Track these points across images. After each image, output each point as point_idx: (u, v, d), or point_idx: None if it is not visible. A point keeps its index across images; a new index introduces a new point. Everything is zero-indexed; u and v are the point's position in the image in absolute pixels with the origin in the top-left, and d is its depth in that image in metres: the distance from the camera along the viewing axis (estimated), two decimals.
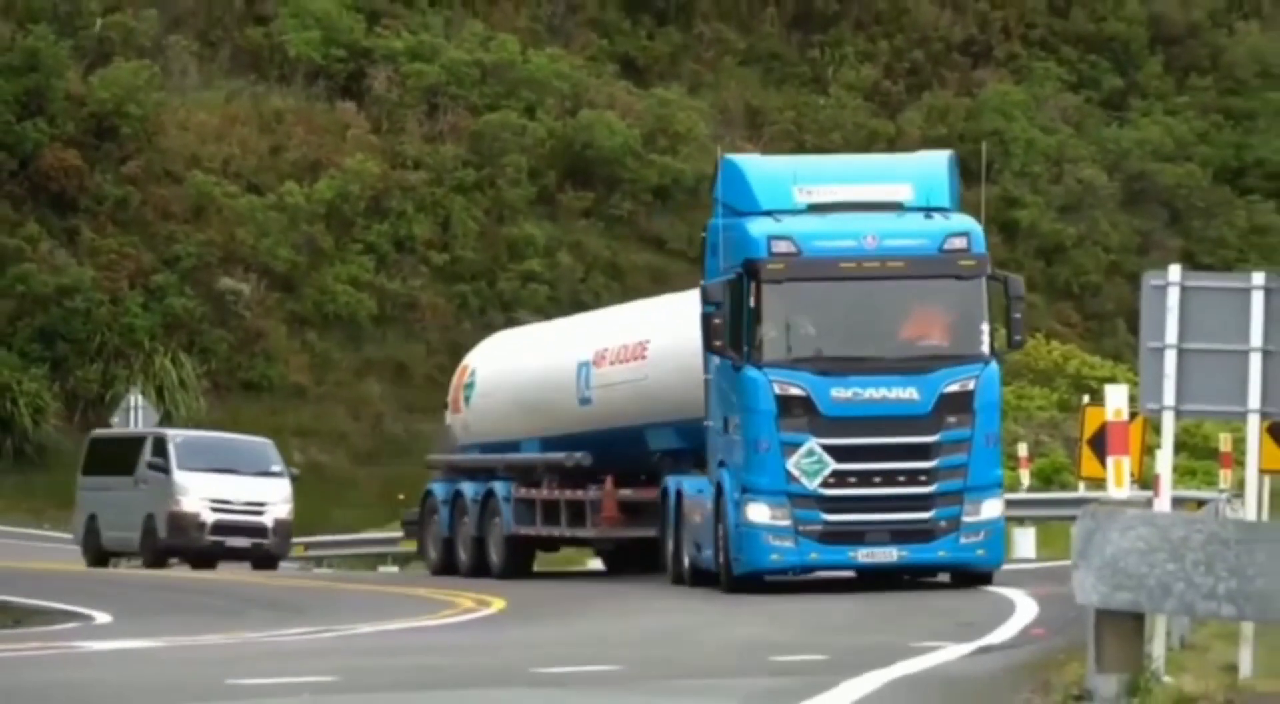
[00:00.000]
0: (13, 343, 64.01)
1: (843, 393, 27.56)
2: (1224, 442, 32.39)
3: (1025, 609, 33.26)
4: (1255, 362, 21.06)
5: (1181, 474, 27.31)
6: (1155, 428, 25.80)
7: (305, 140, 76.51)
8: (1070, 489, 45.75)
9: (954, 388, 27.61)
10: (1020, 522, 48.73)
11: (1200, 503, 31.85)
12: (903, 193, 29.98)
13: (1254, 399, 21.11)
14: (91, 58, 70.22)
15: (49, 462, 63.71)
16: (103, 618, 36.02)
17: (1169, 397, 20.99)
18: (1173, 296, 21.21)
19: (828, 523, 27.56)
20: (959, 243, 28.39)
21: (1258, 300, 21.05)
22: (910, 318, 29.07)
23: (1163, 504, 21.12)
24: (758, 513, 27.71)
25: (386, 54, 78.81)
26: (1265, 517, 23.63)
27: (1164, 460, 21.87)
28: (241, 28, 75.67)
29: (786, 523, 27.60)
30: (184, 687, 19.53)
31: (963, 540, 27.87)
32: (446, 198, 74.30)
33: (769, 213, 29.65)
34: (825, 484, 27.44)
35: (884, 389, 27.50)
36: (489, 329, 57.88)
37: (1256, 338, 20.92)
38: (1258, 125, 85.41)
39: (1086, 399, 41.67)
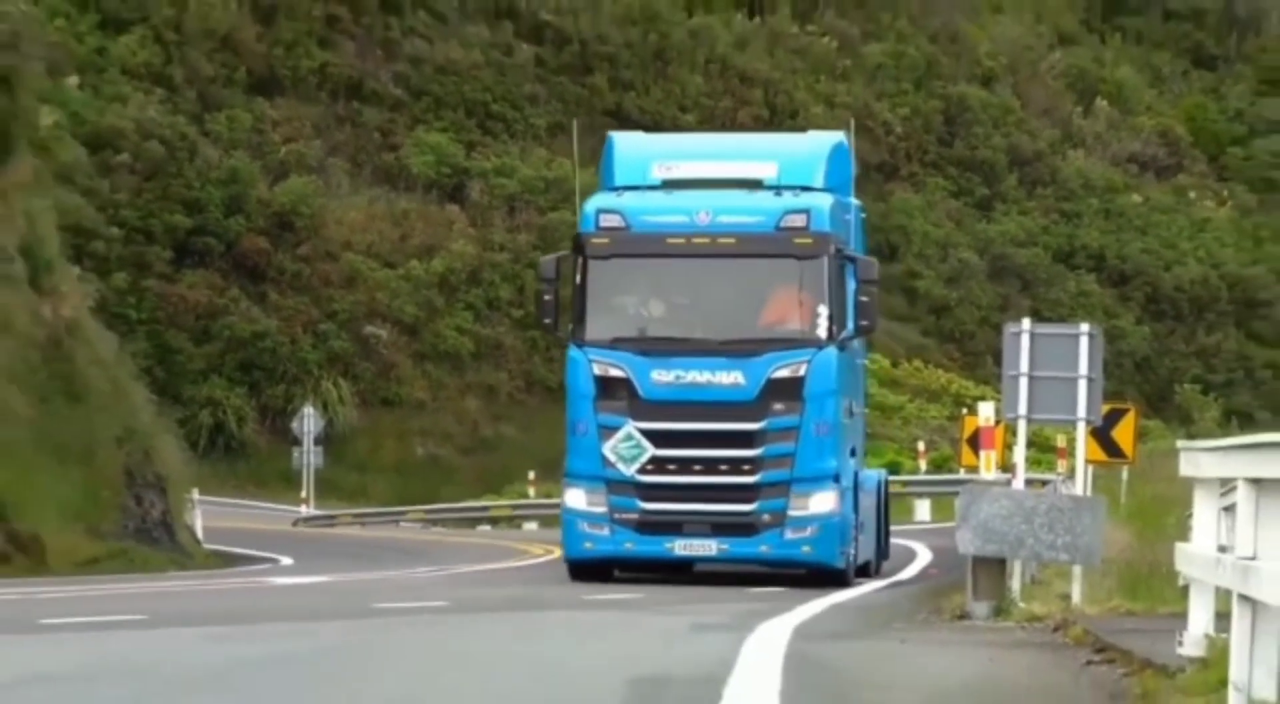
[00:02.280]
0: (222, 371, 64.20)
1: (664, 375, 20.41)
2: (1060, 440, 30.50)
3: (924, 557, 33.81)
4: (1082, 385, 22.02)
5: (1030, 463, 25.74)
6: (1012, 431, 24.25)
7: (424, 231, 75.19)
8: (954, 473, 43.18)
9: (783, 373, 20.30)
10: (919, 495, 49.21)
11: (1044, 483, 29.32)
12: (766, 171, 22.05)
13: (1081, 411, 22.08)
14: (275, 174, 70.27)
15: (248, 454, 64.21)
16: (286, 561, 36.29)
17: (1022, 408, 22.04)
18: (1024, 340, 22.18)
19: (645, 511, 20.55)
20: (797, 220, 20.67)
21: (1083, 343, 22.09)
22: (740, 298, 21.44)
23: (1018, 484, 22.52)
24: (575, 499, 21.08)
25: (480, 171, 77.83)
26: (1088, 492, 24.03)
27: (1019, 453, 23.14)
28: (380, 153, 75.63)
29: (602, 510, 20.63)
30: (339, 609, 19.73)
31: (788, 535, 20.52)
32: (522, 271, 73.95)
33: (622, 188, 22.13)
34: (643, 470, 20.39)
35: (707, 372, 20.38)
36: (553, 362, 57.34)
37: (1083, 368, 21.92)
38: (1082, 222, 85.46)
39: (965, 411, 40.77)
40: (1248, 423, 55.75)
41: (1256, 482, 9.93)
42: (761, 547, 20.72)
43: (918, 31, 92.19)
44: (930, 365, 73.66)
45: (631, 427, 20.28)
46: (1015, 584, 21.45)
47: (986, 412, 26.08)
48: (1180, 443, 14.77)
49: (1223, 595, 11.37)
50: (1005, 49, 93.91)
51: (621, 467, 20.33)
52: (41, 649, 13.89)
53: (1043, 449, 30.03)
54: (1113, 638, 15.53)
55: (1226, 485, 11.99)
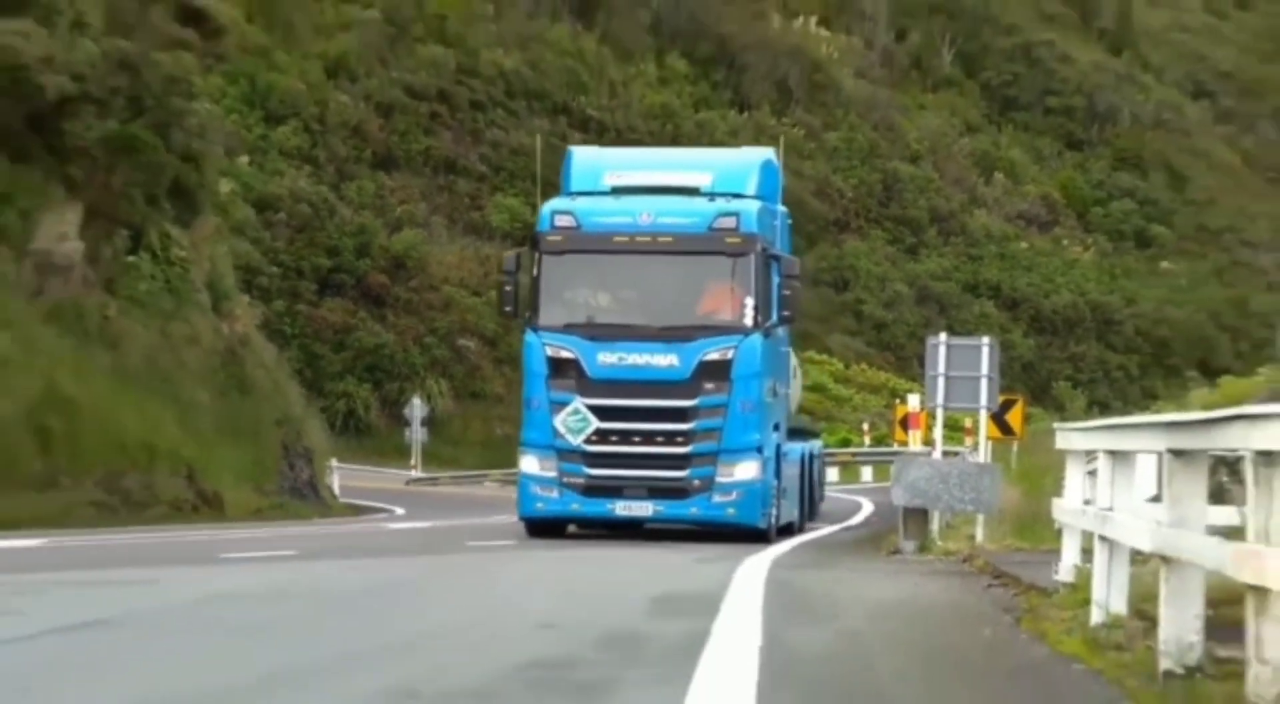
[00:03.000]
0: (353, 372, 64.01)
1: (608, 357, 18.55)
2: (968, 422, 28.79)
3: (868, 509, 33.34)
4: (984, 382, 21.59)
5: (946, 439, 24.35)
6: (932, 415, 23.74)
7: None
8: (890, 446, 42.10)
9: (713, 356, 18.40)
10: (864, 463, 49.49)
11: (955, 453, 27.51)
12: (702, 180, 19.99)
13: (983, 401, 21.81)
14: (392, 228, 69.90)
15: (373, 433, 63.72)
16: (400, 511, 36.21)
17: (940, 399, 21.74)
18: (941, 350, 22.04)
19: (590, 477, 18.74)
20: (728, 222, 18.73)
21: (984, 351, 21.69)
22: (677, 290, 19.30)
23: (936, 454, 22.33)
24: (529, 465, 19.05)
25: None
26: (988, 461, 23.38)
27: (938, 432, 22.92)
28: (469, 212, 75.23)
29: (553, 474, 18.74)
30: (439, 546, 19.64)
31: (715, 499, 18.62)
32: None
33: (577, 194, 20.10)
34: (588, 441, 18.56)
35: (647, 355, 18.48)
36: None
37: (984, 370, 21.50)
38: (984, 263, 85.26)
39: (898, 401, 39.35)
40: (1105, 410, 55.08)
41: (1113, 453, 10.07)
42: (692, 508, 18.77)
43: (863, 122, 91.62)
44: (873, 368, 72.80)
45: (579, 402, 18.42)
46: (934, 528, 21.29)
47: (913, 402, 26.56)
48: (1056, 425, 14.95)
49: (1087, 537, 11.45)
50: (928, 135, 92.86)
51: (570, 437, 18.48)
52: (222, 576, 13.98)
53: (954, 429, 29.06)
54: (1006, 567, 15.48)
55: (1090, 456, 11.98)
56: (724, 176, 20.03)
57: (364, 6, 76.98)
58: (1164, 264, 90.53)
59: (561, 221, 18.97)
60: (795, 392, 27.77)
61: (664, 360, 18.30)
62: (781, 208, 21.40)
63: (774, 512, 19.60)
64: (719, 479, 18.30)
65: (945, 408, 22.45)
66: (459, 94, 77.64)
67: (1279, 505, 5.89)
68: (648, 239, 18.75)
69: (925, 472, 20.78)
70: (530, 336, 18.91)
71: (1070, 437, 12.49)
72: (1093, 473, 11.99)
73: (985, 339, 22.99)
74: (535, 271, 18.90)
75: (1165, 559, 7.79)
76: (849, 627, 11.21)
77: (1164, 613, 7.82)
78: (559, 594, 12.85)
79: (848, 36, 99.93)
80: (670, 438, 18.44)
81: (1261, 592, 5.86)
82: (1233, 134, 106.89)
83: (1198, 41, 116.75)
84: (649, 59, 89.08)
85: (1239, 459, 7.98)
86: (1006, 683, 8.28)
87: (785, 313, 19.22)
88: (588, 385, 18.37)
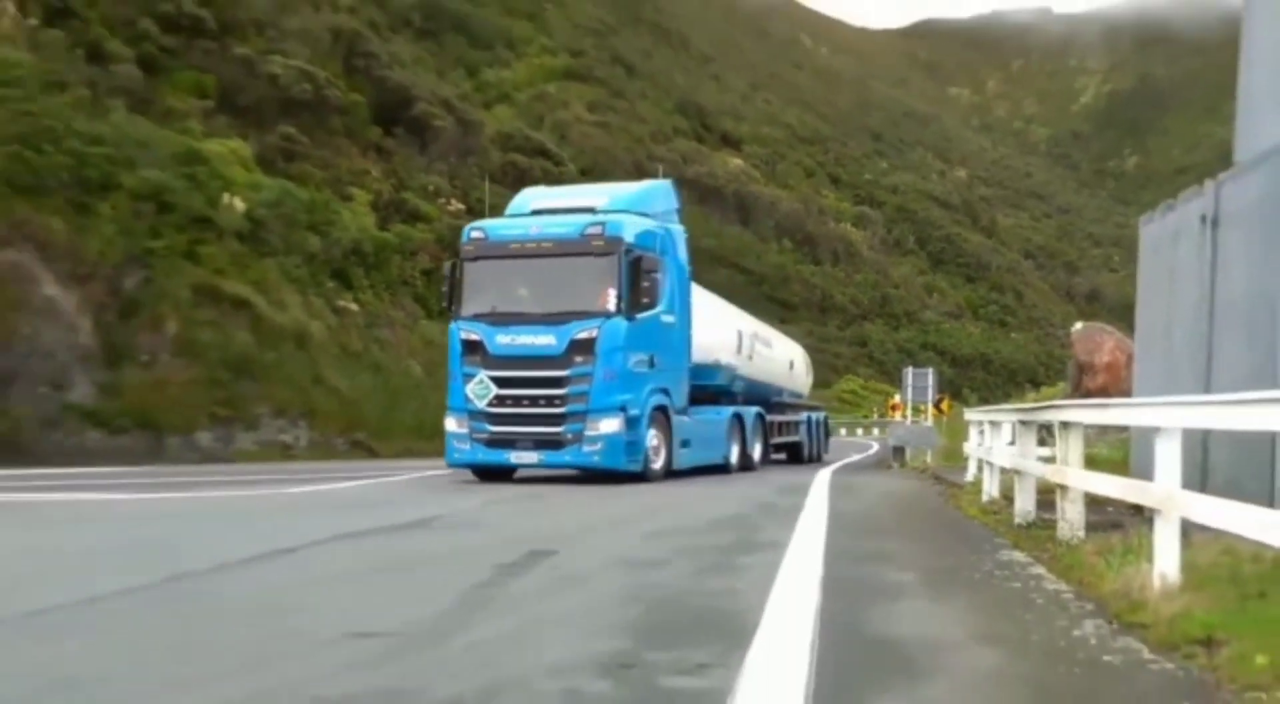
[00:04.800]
0: None
1: (504, 338, 19.43)
2: (923, 408, 31.75)
3: (875, 448, 39.95)
4: (929, 389, 29.27)
5: (913, 415, 28.75)
6: (906, 404, 30.37)
7: None
8: (886, 419, 46.60)
9: (582, 336, 19.04)
10: (874, 426, 62.95)
11: (917, 422, 30.35)
12: (599, 201, 20.96)
13: (930, 397, 29.36)
14: None
15: None
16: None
17: (909, 396, 29.38)
18: (910, 374, 30.01)
19: (491, 433, 19.45)
20: (596, 230, 19.42)
21: (930, 375, 29.48)
22: (556, 284, 19.74)
23: (907, 423, 28.70)
24: (450, 424, 19.78)
25: None
26: (932, 425, 29.05)
27: (908, 412, 29.79)
28: None
29: (465, 431, 19.60)
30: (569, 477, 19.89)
31: (584, 449, 19.02)
32: None
33: (506, 216, 21.38)
34: (490, 405, 19.40)
35: (531, 336, 19.31)
36: None
37: (930, 382, 29.19)
38: (929, 334, 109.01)
39: (889, 398, 45.70)
40: (986, 403, 55.81)
41: (992, 422, 14.72)
42: (566, 456, 19.11)
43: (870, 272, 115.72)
44: (878, 383, 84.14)
45: (483, 374, 19.38)
46: (907, 456, 26.82)
47: (897, 398, 33.00)
48: (965, 410, 22.07)
49: (979, 462, 16.08)
50: (902, 282, 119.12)
51: (477, 402, 19.44)
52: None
53: (917, 411, 31.59)
54: (941, 475, 19.93)
55: (979, 424, 16.48)
56: (616, 199, 21.04)
57: None
58: (1013, 334, 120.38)
59: (475, 235, 20.28)
60: (802, 376, 31.28)
61: (544, 340, 19.11)
62: (677, 226, 21.69)
63: (645, 458, 19.40)
64: (587, 433, 18.85)
65: (911, 401, 30.49)
66: None
67: (1069, 446, 9.29)
68: (534, 245, 19.74)
69: (903, 430, 27.97)
70: (452, 325, 20.13)
71: (971, 414, 17.39)
72: (981, 431, 16.20)
73: (929, 369, 31.53)
74: (457, 274, 20.24)
75: (1017, 472, 11.76)
76: (868, 500, 15.48)
77: (1017, 497, 11.65)
78: (720, 495, 15.57)
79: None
80: (550, 401, 19.13)
81: (1063, 488, 9.36)
82: None
83: None
84: None
85: (1049, 425, 10.78)
86: (940, 526, 12.02)
87: (645, 300, 19.39)
88: (490, 361, 19.42)
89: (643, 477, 19.19)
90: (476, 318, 19.84)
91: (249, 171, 36.29)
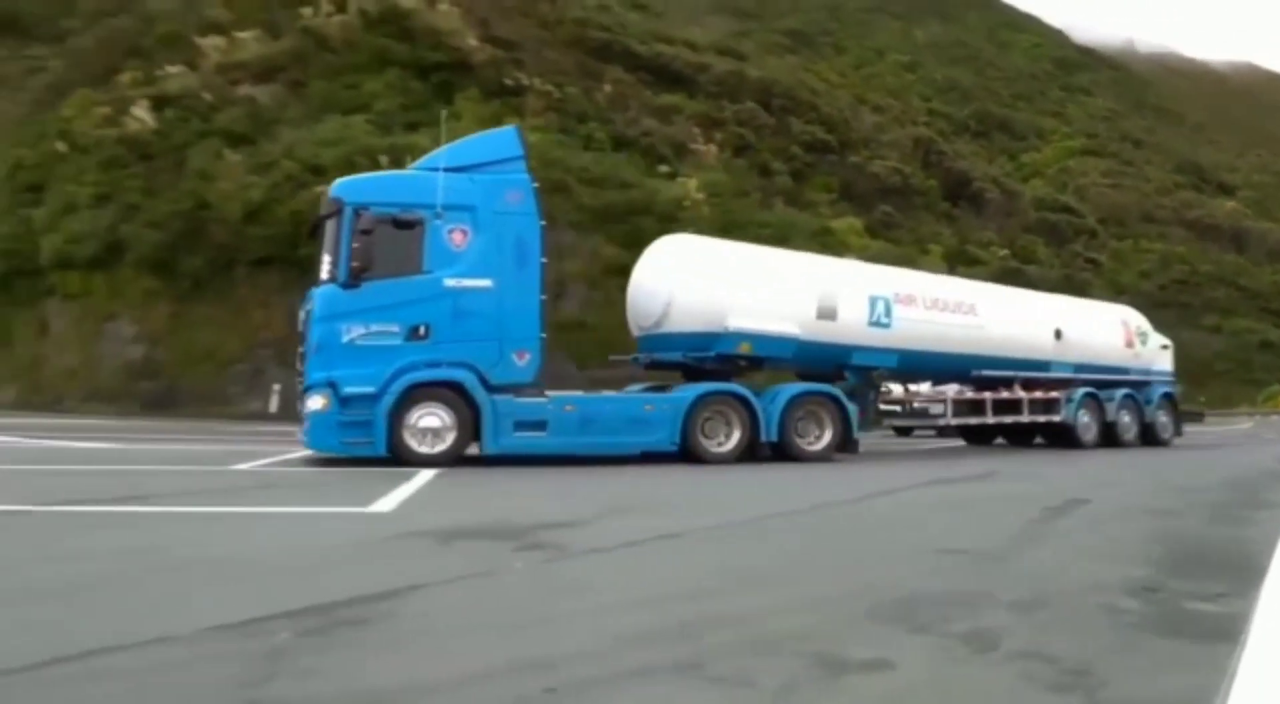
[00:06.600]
0: None
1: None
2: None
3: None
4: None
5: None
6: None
7: None
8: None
9: (308, 307, 16.54)
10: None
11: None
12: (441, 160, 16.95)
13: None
14: None
15: None
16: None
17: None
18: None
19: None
20: (329, 193, 16.80)
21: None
22: (319, 257, 16.56)
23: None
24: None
25: None
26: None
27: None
28: None
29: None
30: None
31: (305, 427, 16.05)
32: None
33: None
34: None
35: (303, 312, 17.10)
36: None
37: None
38: None
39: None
40: None
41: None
42: (301, 436, 16.05)
43: None
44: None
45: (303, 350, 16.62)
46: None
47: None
48: None
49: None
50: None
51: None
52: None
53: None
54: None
55: None
56: (433, 157, 17.13)
57: None
58: None
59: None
60: (1084, 345, 25.16)
61: (302, 314, 16.78)
62: (515, 176, 17.10)
63: (393, 442, 15.84)
64: (304, 411, 16.03)
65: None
66: None
67: None
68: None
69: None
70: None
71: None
72: None
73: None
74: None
75: None
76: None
77: None
78: (788, 492, 12.69)
79: None
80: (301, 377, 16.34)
81: None
82: None
83: None
84: None
85: None
86: None
87: (355, 264, 15.94)
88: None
89: (407, 462, 15.55)
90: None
91: (860, 238, 48.69)
